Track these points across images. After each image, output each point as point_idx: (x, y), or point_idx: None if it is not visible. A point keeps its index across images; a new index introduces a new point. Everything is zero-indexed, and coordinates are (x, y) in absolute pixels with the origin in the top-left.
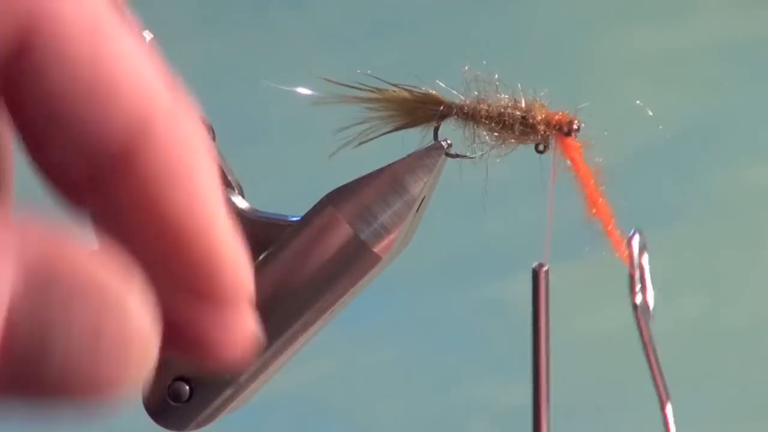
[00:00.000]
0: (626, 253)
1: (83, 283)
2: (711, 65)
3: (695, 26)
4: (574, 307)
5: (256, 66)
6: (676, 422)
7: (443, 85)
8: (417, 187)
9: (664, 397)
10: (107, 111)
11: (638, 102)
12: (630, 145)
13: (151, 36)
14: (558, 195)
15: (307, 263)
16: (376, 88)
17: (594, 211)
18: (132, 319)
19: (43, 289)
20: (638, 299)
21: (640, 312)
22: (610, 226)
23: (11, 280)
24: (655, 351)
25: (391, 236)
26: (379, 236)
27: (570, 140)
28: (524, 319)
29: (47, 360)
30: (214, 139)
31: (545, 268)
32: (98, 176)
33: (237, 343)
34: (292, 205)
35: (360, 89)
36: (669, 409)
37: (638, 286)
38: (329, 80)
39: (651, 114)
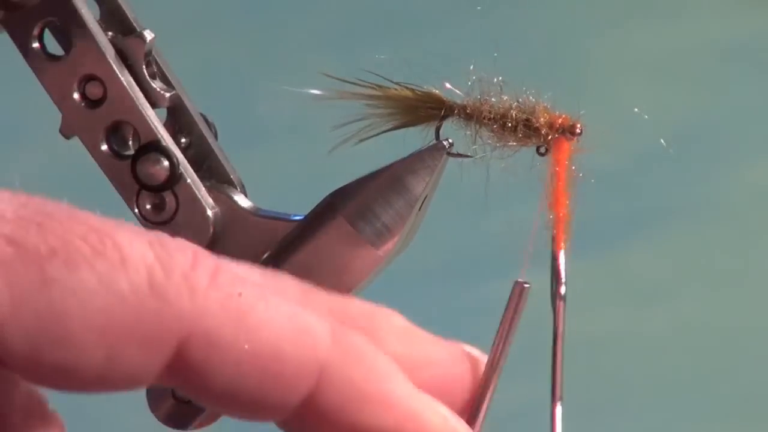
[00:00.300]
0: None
1: None
2: (711, 65)
3: (695, 26)
4: (572, 308)
5: (257, 65)
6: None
7: (448, 86)
8: (419, 187)
9: (557, 396)
10: (280, 381)
11: (636, 109)
12: (629, 145)
13: (152, 36)
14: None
15: (308, 263)
16: (378, 86)
17: (554, 208)
18: None
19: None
20: (563, 290)
21: (563, 302)
22: (562, 227)
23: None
24: (562, 345)
25: (394, 236)
26: (381, 236)
27: (568, 144)
28: (523, 319)
29: None
30: (216, 137)
31: (527, 286)
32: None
33: None
34: (294, 203)
35: (362, 86)
36: (558, 409)
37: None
38: (330, 76)
39: (648, 118)
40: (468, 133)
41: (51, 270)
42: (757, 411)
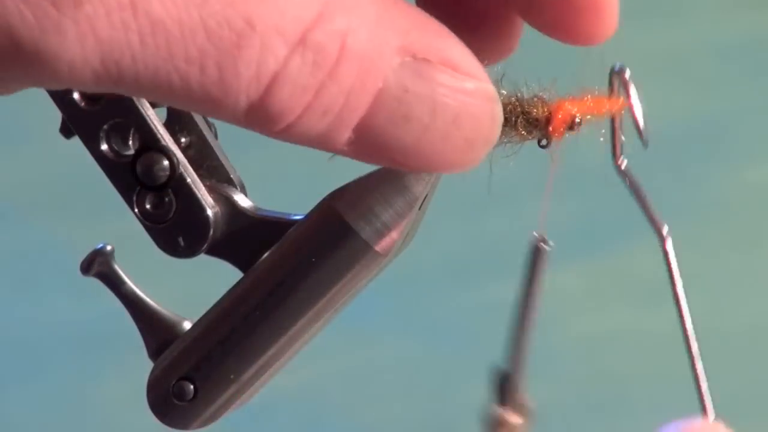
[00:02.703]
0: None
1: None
2: (711, 65)
3: (695, 26)
4: (573, 308)
5: None
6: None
7: None
8: (419, 186)
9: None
10: None
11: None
12: (629, 145)
13: None
14: (559, 196)
15: (308, 262)
16: None
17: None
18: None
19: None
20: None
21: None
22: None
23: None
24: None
25: (393, 235)
26: (381, 235)
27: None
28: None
29: (408, 127)
30: (216, 137)
31: (547, 247)
32: None
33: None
34: (294, 203)
35: None
36: (669, 242)
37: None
38: None
39: (649, 118)
40: None
41: None
42: (757, 411)
